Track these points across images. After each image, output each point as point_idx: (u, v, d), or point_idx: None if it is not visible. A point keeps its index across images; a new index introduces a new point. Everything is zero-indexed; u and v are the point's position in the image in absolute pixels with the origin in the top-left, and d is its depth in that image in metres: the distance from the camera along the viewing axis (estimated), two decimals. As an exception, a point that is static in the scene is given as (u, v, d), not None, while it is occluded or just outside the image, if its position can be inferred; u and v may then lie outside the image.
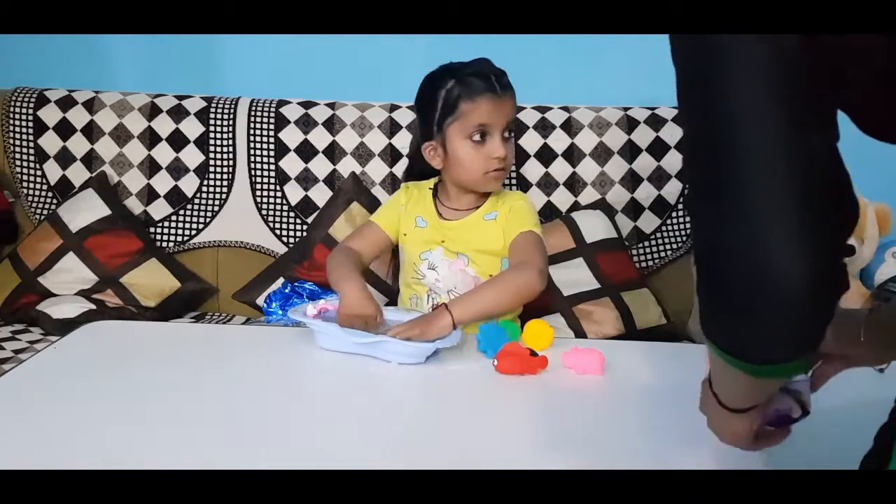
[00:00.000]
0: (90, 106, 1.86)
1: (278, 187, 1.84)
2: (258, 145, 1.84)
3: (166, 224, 1.84)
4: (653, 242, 1.81)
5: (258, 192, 1.84)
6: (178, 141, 1.85)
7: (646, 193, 1.82)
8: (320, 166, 1.84)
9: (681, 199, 1.81)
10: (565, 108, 1.85)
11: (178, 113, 1.85)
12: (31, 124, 1.84)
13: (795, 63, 0.47)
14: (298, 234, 1.82)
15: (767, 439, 0.69)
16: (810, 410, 0.68)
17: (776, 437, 0.69)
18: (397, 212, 1.34)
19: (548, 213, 1.79)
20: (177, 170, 1.85)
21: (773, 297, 0.48)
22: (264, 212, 1.84)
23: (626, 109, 1.85)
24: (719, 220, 0.50)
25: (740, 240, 0.48)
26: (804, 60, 0.48)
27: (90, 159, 1.85)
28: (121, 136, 1.85)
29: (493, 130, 1.22)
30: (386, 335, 1.04)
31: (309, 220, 1.82)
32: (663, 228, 1.82)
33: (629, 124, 1.84)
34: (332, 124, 1.85)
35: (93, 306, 1.64)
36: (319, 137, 1.84)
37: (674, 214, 1.82)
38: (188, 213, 1.84)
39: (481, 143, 1.23)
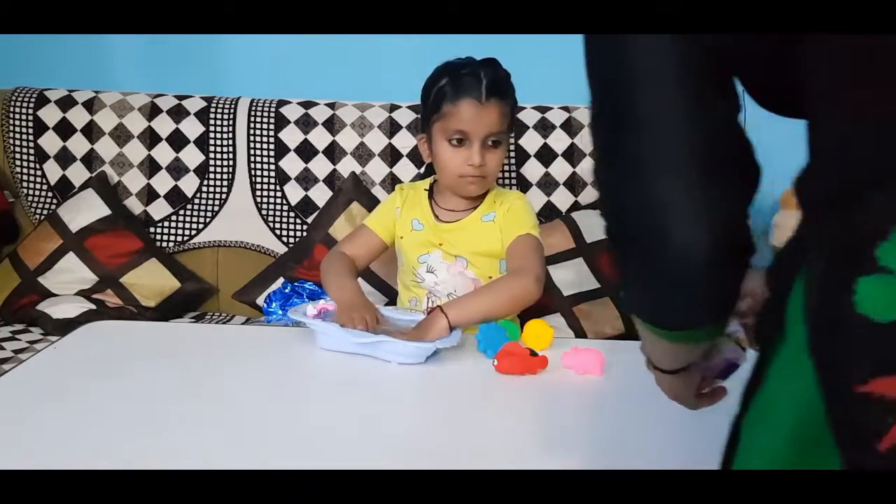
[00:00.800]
0: (90, 106, 1.86)
1: (278, 187, 1.84)
2: (258, 145, 1.84)
3: (166, 224, 1.84)
4: (653, 242, 1.81)
5: (258, 192, 1.84)
6: (178, 141, 1.85)
7: (646, 193, 1.81)
8: (320, 166, 1.84)
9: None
10: (565, 108, 1.85)
11: (178, 113, 1.85)
12: (31, 124, 1.84)
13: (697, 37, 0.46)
14: (298, 234, 1.82)
15: (711, 398, 0.69)
16: (745, 347, 0.67)
17: (718, 396, 0.69)
18: (392, 215, 1.34)
19: (548, 213, 1.79)
20: (177, 170, 1.85)
21: (677, 267, 0.48)
22: (264, 212, 1.84)
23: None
24: (622, 191, 0.49)
25: (642, 210, 0.48)
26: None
27: (90, 159, 1.85)
28: (121, 135, 1.85)
29: (471, 137, 1.21)
30: (381, 335, 1.04)
31: (309, 220, 1.82)
32: (663, 228, 1.81)
33: (629, 124, 1.83)
34: (332, 124, 1.85)
35: (93, 306, 1.64)
36: (319, 137, 1.84)
37: (674, 214, 1.82)
38: (188, 213, 1.84)
39: (459, 147, 1.22)
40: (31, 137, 1.85)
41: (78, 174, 1.84)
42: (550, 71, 1.94)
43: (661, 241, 0.47)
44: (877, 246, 0.37)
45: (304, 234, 1.80)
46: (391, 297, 1.63)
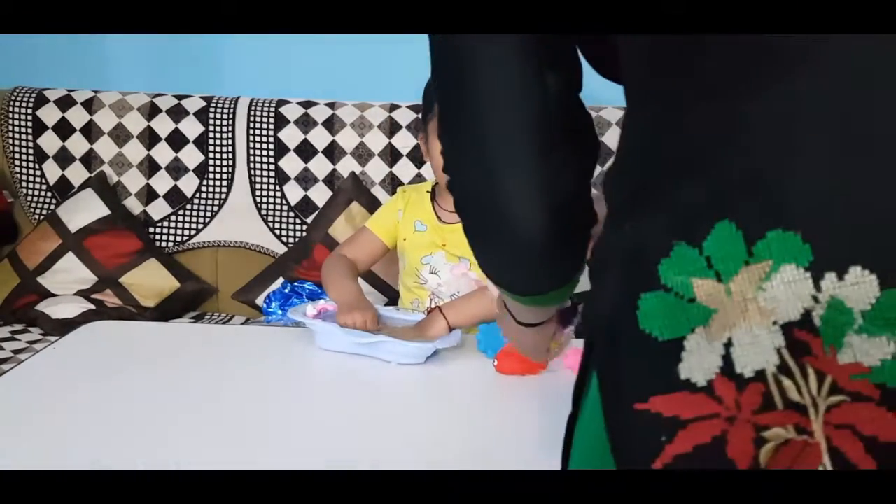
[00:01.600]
0: (89, 106, 1.86)
1: (278, 187, 1.84)
2: (258, 145, 1.84)
3: (166, 224, 1.83)
4: (652, 242, 1.81)
5: (258, 192, 1.84)
6: (177, 141, 1.85)
7: (645, 193, 1.82)
8: (320, 166, 1.83)
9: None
10: (565, 108, 1.85)
11: (177, 113, 1.85)
12: (30, 124, 1.84)
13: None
14: (298, 233, 1.82)
15: (559, 348, 0.71)
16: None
17: (564, 345, 0.71)
18: (394, 217, 1.34)
19: (547, 212, 1.79)
20: (176, 170, 1.85)
21: (515, 241, 0.48)
22: (264, 212, 1.84)
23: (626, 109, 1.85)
24: (462, 164, 0.49)
25: (479, 184, 0.48)
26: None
27: (89, 159, 1.84)
28: (120, 135, 1.85)
29: None
30: (381, 335, 1.04)
31: (308, 220, 1.81)
32: (663, 228, 1.82)
33: (629, 124, 1.84)
34: (331, 124, 1.84)
35: (92, 306, 1.64)
36: (319, 137, 1.84)
37: (673, 214, 1.82)
38: (187, 212, 1.84)
39: None
40: (30, 137, 1.84)
41: (77, 174, 1.84)
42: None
43: (501, 220, 0.47)
44: (659, 263, 0.37)
45: (304, 234, 1.80)
46: (391, 298, 1.62)
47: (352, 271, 1.27)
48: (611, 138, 1.83)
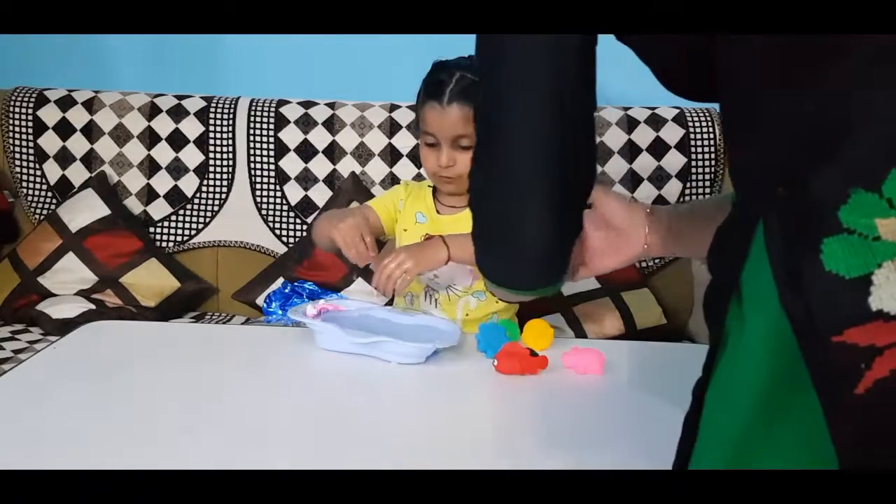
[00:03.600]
0: (90, 106, 1.86)
1: (278, 187, 1.84)
2: (258, 145, 1.84)
3: (166, 224, 1.84)
4: (653, 242, 1.81)
5: (258, 192, 1.84)
6: (177, 141, 1.85)
7: (646, 193, 1.82)
8: (320, 166, 1.84)
9: (681, 200, 1.82)
10: (565, 108, 1.85)
11: (177, 113, 1.85)
12: (30, 124, 1.84)
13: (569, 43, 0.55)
14: (298, 234, 1.82)
15: None
16: None
17: None
18: (395, 205, 1.34)
19: (548, 212, 1.79)
20: (176, 170, 1.85)
21: (524, 255, 0.61)
22: (264, 212, 1.84)
23: (626, 109, 1.85)
24: (486, 188, 0.61)
25: (500, 208, 0.60)
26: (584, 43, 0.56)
27: (90, 159, 1.85)
28: (120, 135, 1.85)
29: (439, 139, 1.22)
30: (385, 336, 1.04)
31: (309, 220, 1.81)
32: (663, 228, 1.82)
33: (629, 124, 1.84)
34: (331, 124, 1.84)
35: (92, 306, 1.64)
36: (319, 137, 1.84)
37: (674, 214, 1.82)
38: (188, 212, 1.84)
39: (432, 148, 1.24)
40: (30, 137, 1.85)
41: (77, 174, 1.84)
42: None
43: (512, 234, 0.60)
44: (838, 209, 0.40)
45: (304, 234, 1.80)
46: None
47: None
48: (611, 138, 1.83)
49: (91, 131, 1.85)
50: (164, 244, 1.82)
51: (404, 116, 1.84)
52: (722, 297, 0.49)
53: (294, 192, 1.84)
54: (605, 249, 0.79)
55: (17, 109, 1.85)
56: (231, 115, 1.85)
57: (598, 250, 0.79)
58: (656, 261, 1.79)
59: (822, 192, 0.41)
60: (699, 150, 1.82)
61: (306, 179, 1.84)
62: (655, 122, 1.83)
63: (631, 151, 1.82)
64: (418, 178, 1.79)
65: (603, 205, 0.78)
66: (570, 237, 0.63)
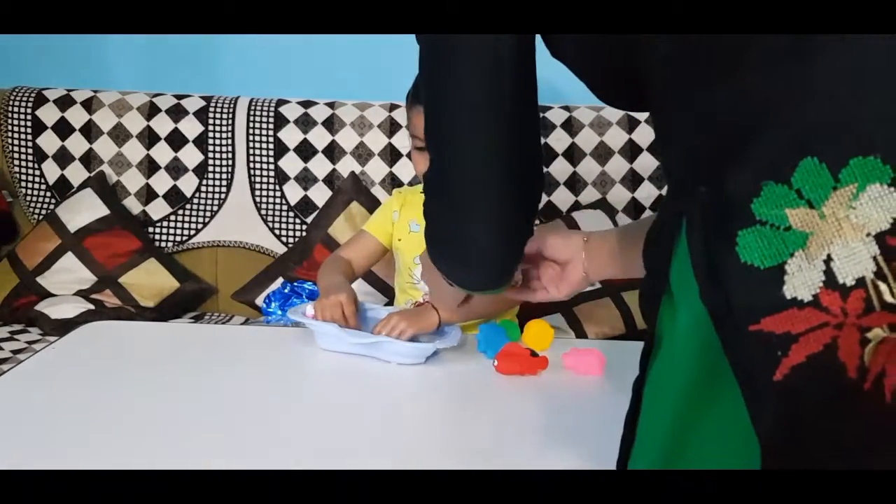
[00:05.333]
0: (89, 105, 1.85)
1: (277, 187, 1.84)
2: (257, 145, 1.84)
3: (165, 224, 1.83)
4: (652, 242, 1.81)
5: (257, 192, 1.84)
6: (176, 140, 1.85)
7: (646, 193, 1.82)
8: (320, 166, 1.83)
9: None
10: (566, 108, 1.85)
11: (176, 112, 1.85)
12: (29, 124, 1.84)
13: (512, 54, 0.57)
14: (298, 233, 1.82)
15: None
16: None
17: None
18: (389, 218, 1.34)
19: (548, 212, 1.79)
20: (176, 169, 1.85)
21: (473, 262, 0.67)
22: (263, 211, 1.84)
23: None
24: (434, 197, 0.68)
25: (447, 220, 0.67)
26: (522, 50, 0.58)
27: (89, 159, 1.84)
28: (119, 135, 1.84)
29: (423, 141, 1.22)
30: (381, 335, 1.04)
31: (308, 220, 1.81)
32: (663, 228, 1.82)
33: (630, 124, 1.84)
34: (331, 124, 1.84)
35: (91, 306, 1.64)
36: (319, 137, 1.84)
37: (673, 214, 1.82)
38: (187, 212, 1.84)
39: (423, 151, 1.24)
40: (29, 137, 1.84)
41: (76, 174, 1.84)
42: (550, 70, 1.95)
43: (465, 246, 0.65)
44: (751, 202, 0.42)
45: (304, 233, 1.80)
46: (391, 298, 1.62)
47: (345, 269, 1.28)
48: (612, 138, 1.83)
49: (90, 131, 1.85)
50: (163, 244, 1.82)
51: (404, 116, 1.83)
52: (654, 294, 0.51)
53: (293, 192, 1.84)
54: (556, 280, 0.82)
55: (15, 109, 1.84)
56: (230, 115, 1.85)
57: (553, 281, 0.83)
58: (656, 260, 1.79)
59: (736, 188, 0.43)
60: (699, 149, 1.82)
61: (306, 179, 1.84)
62: (655, 121, 1.83)
63: (632, 151, 1.82)
64: (418, 178, 1.78)
65: (542, 242, 0.82)
66: (517, 243, 0.67)
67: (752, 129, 0.43)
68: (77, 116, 1.85)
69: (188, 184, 1.85)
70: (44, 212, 1.81)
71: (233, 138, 1.84)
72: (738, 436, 0.44)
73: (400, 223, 1.33)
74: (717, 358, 0.44)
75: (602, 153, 1.82)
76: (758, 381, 0.42)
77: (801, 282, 0.40)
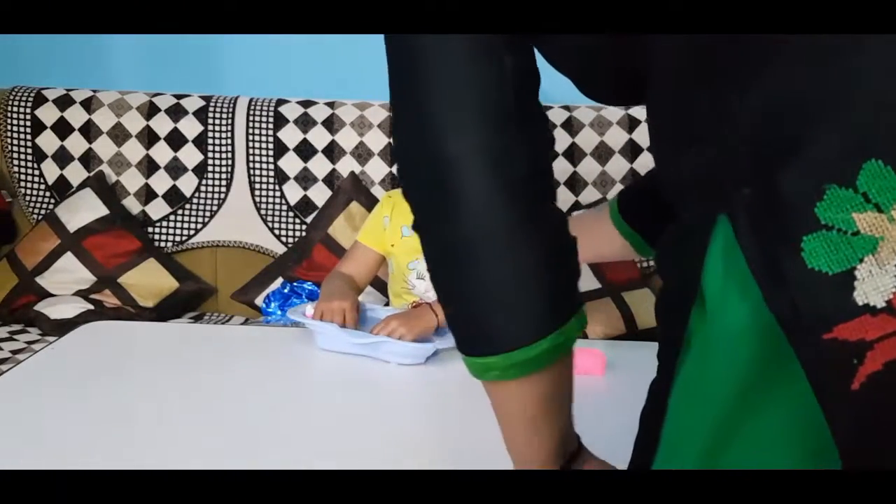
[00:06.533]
0: (88, 105, 1.85)
1: (277, 187, 1.84)
2: (257, 144, 1.84)
3: (164, 224, 1.83)
4: (652, 242, 1.81)
5: (257, 192, 1.84)
6: (176, 140, 1.84)
7: (645, 193, 1.82)
8: (319, 166, 1.83)
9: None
10: (566, 108, 1.85)
11: (176, 112, 1.85)
12: (28, 123, 1.84)
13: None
14: (297, 233, 1.82)
15: None
16: None
17: None
18: (381, 225, 1.34)
19: (547, 212, 1.79)
20: (175, 169, 1.85)
21: (477, 229, 0.51)
22: (263, 211, 1.84)
23: (627, 108, 1.85)
24: (410, 148, 0.53)
25: (430, 166, 0.51)
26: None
27: (88, 159, 1.84)
28: (119, 135, 1.84)
29: None
30: (381, 335, 1.04)
31: (308, 220, 1.81)
32: (663, 228, 1.82)
33: (630, 123, 1.83)
34: (331, 123, 1.84)
35: (91, 307, 1.64)
36: (318, 137, 1.84)
37: (673, 214, 1.82)
38: (186, 212, 1.84)
39: None
40: (28, 137, 1.84)
41: (76, 174, 1.83)
42: (550, 70, 1.95)
43: (455, 200, 0.49)
44: (815, 206, 0.41)
45: (304, 233, 1.80)
46: (389, 297, 1.62)
47: (349, 283, 1.28)
48: (612, 138, 1.82)
49: (89, 131, 1.84)
50: (162, 244, 1.82)
51: (403, 116, 1.83)
52: (683, 299, 0.49)
53: (293, 192, 1.84)
54: None
55: (15, 109, 1.84)
56: (230, 115, 1.85)
57: None
58: (656, 260, 1.79)
59: (793, 191, 0.42)
60: (699, 149, 1.82)
61: (305, 179, 1.84)
62: (655, 121, 1.83)
63: (632, 151, 1.82)
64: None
65: None
66: (541, 213, 0.56)
67: (801, 130, 0.42)
68: (76, 116, 1.84)
69: (188, 184, 1.84)
70: (43, 212, 1.81)
71: (232, 138, 1.84)
72: (799, 437, 0.43)
73: (392, 228, 1.33)
74: (775, 359, 0.43)
75: (602, 153, 1.82)
76: (835, 390, 0.41)
77: (873, 287, 0.39)
